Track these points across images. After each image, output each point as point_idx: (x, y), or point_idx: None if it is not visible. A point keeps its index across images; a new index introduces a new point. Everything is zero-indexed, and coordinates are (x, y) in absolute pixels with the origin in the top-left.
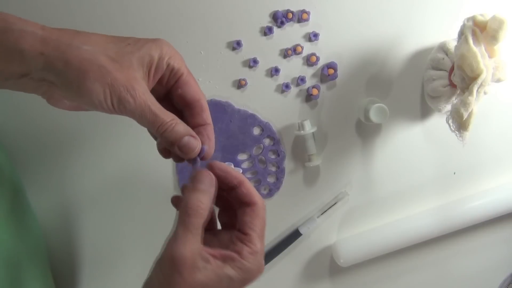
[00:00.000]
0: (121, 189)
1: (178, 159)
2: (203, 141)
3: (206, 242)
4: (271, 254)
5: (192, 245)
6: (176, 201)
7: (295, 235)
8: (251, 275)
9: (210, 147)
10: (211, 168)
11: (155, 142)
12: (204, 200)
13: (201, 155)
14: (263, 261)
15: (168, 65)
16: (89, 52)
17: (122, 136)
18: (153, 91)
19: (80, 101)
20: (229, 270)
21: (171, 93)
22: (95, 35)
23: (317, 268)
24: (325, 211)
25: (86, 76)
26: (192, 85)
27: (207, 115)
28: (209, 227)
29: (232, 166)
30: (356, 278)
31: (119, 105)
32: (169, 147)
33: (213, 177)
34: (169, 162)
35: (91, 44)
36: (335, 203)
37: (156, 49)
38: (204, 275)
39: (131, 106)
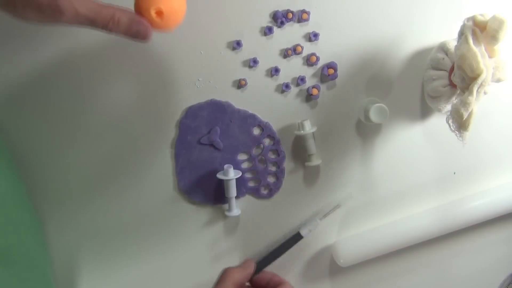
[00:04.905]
0: (120, 189)
1: None
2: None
3: None
4: (272, 257)
5: None
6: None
7: (296, 238)
8: None
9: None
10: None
11: (154, 143)
12: (237, 276)
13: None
14: None
15: None
16: None
17: (121, 135)
18: None
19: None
20: None
21: None
22: None
23: (317, 268)
24: (327, 213)
25: None
26: None
27: None
28: None
29: (232, 168)
30: (356, 278)
31: (55, 13)
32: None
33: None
34: (169, 162)
35: None
36: (338, 206)
37: None
38: None
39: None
